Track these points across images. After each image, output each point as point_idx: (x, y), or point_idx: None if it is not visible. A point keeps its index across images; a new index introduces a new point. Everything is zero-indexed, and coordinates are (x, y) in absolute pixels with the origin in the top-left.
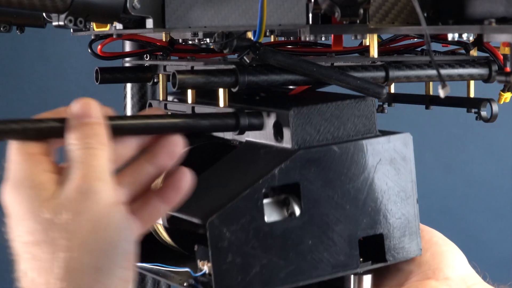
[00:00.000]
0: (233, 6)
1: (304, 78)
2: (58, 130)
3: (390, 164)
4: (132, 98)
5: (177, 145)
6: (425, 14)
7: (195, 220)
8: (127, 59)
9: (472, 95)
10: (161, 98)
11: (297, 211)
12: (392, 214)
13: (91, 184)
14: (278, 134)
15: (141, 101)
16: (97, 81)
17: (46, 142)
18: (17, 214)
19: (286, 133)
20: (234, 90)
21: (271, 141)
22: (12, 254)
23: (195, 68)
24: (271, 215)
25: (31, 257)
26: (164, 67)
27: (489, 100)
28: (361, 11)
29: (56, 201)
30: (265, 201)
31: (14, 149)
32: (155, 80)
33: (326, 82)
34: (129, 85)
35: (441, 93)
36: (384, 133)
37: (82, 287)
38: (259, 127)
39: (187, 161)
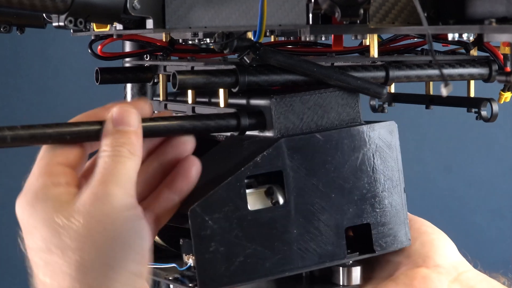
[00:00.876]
0: (233, 7)
1: (304, 78)
2: (94, 133)
3: (376, 152)
4: (132, 98)
5: (187, 144)
6: (426, 14)
7: (178, 209)
8: (127, 59)
9: (472, 94)
10: (161, 99)
11: (281, 201)
12: (379, 204)
13: (107, 188)
14: (260, 123)
15: None
16: (97, 82)
17: (75, 150)
18: (31, 225)
19: (269, 121)
20: (234, 90)
21: (255, 132)
22: (26, 265)
23: (195, 68)
24: (255, 205)
25: (43, 263)
26: (164, 67)
27: (489, 100)
28: (361, 11)
29: (71, 208)
30: (249, 191)
31: (37, 162)
32: (155, 81)
33: (326, 82)
34: (129, 86)
35: (444, 92)
36: (369, 122)
37: (95, 285)
38: (261, 126)
39: None
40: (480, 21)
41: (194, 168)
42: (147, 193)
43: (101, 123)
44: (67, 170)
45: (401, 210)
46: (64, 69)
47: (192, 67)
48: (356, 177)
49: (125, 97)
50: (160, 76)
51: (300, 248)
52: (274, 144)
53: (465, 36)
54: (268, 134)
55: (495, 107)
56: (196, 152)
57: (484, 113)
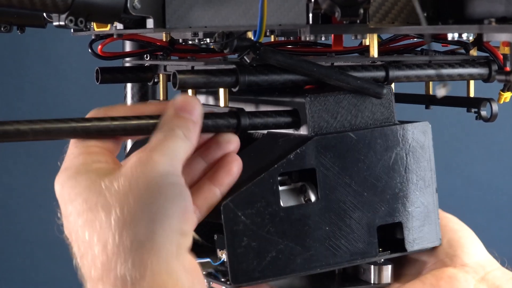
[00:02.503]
0: (233, 6)
1: (304, 78)
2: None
3: (409, 152)
4: (132, 98)
5: (231, 143)
6: (425, 14)
7: None
8: (127, 59)
9: (472, 94)
10: (161, 98)
11: (314, 199)
12: (411, 203)
13: (152, 154)
14: (295, 121)
15: (142, 101)
16: (97, 81)
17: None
18: (72, 195)
19: (303, 120)
20: (234, 90)
21: (290, 130)
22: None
23: (196, 68)
24: (288, 202)
25: (88, 224)
26: (165, 67)
27: (489, 100)
28: (361, 11)
29: (114, 174)
30: (282, 188)
31: (72, 144)
32: (156, 80)
33: (326, 82)
34: (129, 85)
35: (440, 93)
36: (402, 122)
37: (139, 238)
38: (296, 125)
39: None
40: (480, 21)
41: (236, 163)
42: (189, 186)
43: (158, 117)
44: (105, 151)
45: (432, 210)
46: (64, 69)
47: (192, 67)
48: (388, 176)
49: (125, 97)
50: (160, 75)
51: (331, 245)
52: (307, 142)
53: (464, 36)
54: (302, 132)
55: (495, 107)
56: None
57: (483, 113)
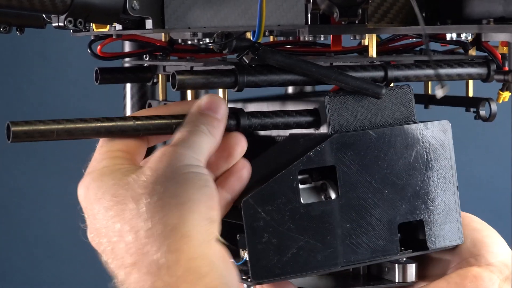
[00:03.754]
0: (232, 7)
1: (303, 78)
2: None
3: (429, 150)
4: (131, 98)
5: (238, 146)
6: (424, 14)
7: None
8: (126, 59)
9: (470, 94)
10: (160, 98)
11: (334, 197)
12: (432, 201)
13: (177, 148)
14: (315, 121)
15: (141, 101)
16: (96, 81)
17: (136, 141)
18: (98, 194)
19: (323, 118)
20: (233, 90)
21: (311, 130)
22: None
23: (195, 68)
24: (308, 200)
25: (115, 213)
26: (164, 67)
27: (488, 100)
28: (360, 11)
29: (139, 170)
30: (303, 186)
31: (97, 150)
32: (155, 80)
33: (325, 82)
34: (128, 85)
35: (438, 93)
36: (422, 121)
37: (169, 223)
38: (316, 124)
39: None
40: (478, 20)
41: (246, 169)
42: None
43: (182, 116)
44: (128, 155)
45: (454, 208)
46: (63, 69)
47: (191, 67)
48: (409, 174)
49: (124, 97)
50: (160, 76)
51: (352, 242)
52: (327, 139)
53: (463, 36)
54: (322, 130)
55: (494, 106)
56: (254, 152)
57: (482, 112)
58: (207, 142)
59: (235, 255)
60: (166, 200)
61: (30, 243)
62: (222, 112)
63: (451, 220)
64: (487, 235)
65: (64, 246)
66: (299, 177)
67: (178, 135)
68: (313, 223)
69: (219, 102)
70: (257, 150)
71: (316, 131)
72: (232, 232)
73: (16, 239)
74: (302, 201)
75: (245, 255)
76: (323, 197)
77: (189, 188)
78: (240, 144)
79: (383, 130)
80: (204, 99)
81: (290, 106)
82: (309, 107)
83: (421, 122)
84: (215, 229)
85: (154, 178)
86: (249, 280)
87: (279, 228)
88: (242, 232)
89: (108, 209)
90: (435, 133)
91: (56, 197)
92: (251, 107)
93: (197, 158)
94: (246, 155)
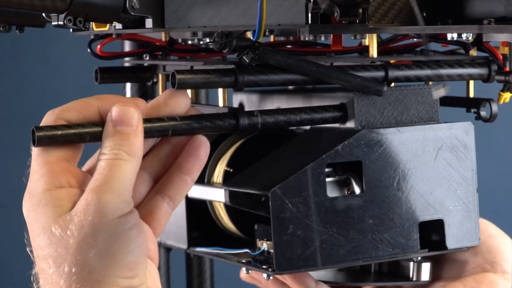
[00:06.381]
0: (232, 6)
1: (303, 78)
2: (98, 135)
3: (452, 151)
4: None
5: (203, 147)
6: (425, 14)
7: (258, 192)
8: (126, 59)
9: (471, 95)
10: None
11: (358, 192)
12: (453, 201)
13: (101, 196)
14: (342, 116)
15: None
16: (96, 81)
17: (74, 146)
18: (33, 229)
19: (350, 114)
20: (233, 90)
21: (335, 124)
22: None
23: (195, 68)
24: (332, 193)
25: (40, 270)
26: (164, 67)
27: (489, 100)
28: (360, 10)
29: (67, 216)
30: (327, 180)
31: (35, 157)
32: (155, 80)
33: (326, 81)
34: (128, 85)
35: (438, 94)
36: (446, 122)
37: None
38: (343, 119)
39: (250, 148)
40: (479, 21)
41: (203, 147)
42: (160, 175)
43: (102, 124)
44: (67, 166)
45: (473, 210)
46: (63, 69)
47: (192, 67)
48: (431, 173)
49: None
50: (160, 75)
51: (374, 238)
52: (355, 134)
53: (464, 36)
54: (349, 125)
55: (495, 107)
56: (274, 144)
57: (483, 113)
58: (130, 169)
59: (248, 245)
60: (83, 276)
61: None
62: (135, 120)
63: (470, 221)
64: (503, 243)
65: None
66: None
67: (98, 172)
68: (337, 217)
69: (129, 110)
70: (275, 141)
71: (342, 126)
72: (245, 220)
73: (16, 239)
74: (328, 194)
75: (263, 245)
76: (346, 191)
77: (109, 262)
78: (203, 146)
79: (409, 129)
80: (114, 111)
81: (314, 101)
82: (335, 102)
83: (445, 122)
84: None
85: (75, 242)
86: (270, 270)
87: (304, 220)
88: (261, 222)
89: (37, 260)
90: (459, 134)
91: None
92: (272, 101)
93: (123, 199)
94: (264, 147)
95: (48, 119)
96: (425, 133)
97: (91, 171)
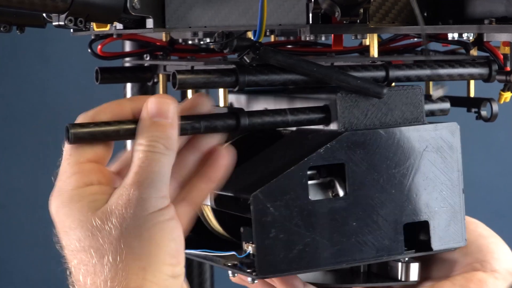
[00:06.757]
0: (233, 6)
1: (304, 78)
2: (134, 131)
3: (437, 152)
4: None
5: (216, 136)
6: (425, 14)
7: (240, 195)
8: (127, 59)
9: (472, 94)
10: None
11: (341, 194)
12: (438, 202)
13: (142, 192)
14: (325, 117)
15: None
16: (97, 81)
17: (104, 145)
18: (66, 225)
19: (334, 116)
20: (234, 90)
21: (320, 126)
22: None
23: (195, 68)
24: (315, 197)
25: (79, 261)
26: (164, 67)
27: (489, 100)
28: (361, 10)
29: (106, 208)
30: (310, 182)
31: (67, 157)
32: (155, 80)
33: (326, 82)
34: (129, 85)
35: (436, 94)
36: (431, 123)
37: (131, 286)
38: (326, 121)
39: (237, 150)
40: (480, 20)
41: (225, 158)
42: (184, 183)
43: (136, 121)
44: (98, 167)
45: (459, 210)
46: (64, 69)
47: (192, 67)
48: (416, 175)
49: (125, 97)
50: (160, 75)
51: (358, 240)
52: (338, 137)
53: (465, 36)
54: (333, 127)
55: (495, 107)
56: (261, 146)
57: (484, 113)
58: (167, 162)
59: (237, 248)
60: (128, 263)
61: (30, 243)
62: (172, 113)
63: (456, 222)
64: (493, 242)
65: None
66: (307, 172)
67: (137, 162)
68: (320, 220)
69: (167, 103)
70: (262, 143)
71: (326, 128)
72: (232, 222)
73: (16, 239)
74: (310, 197)
75: (248, 248)
76: (330, 194)
77: (153, 249)
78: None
79: (393, 130)
80: (151, 103)
81: (298, 102)
82: (319, 103)
83: (430, 123)
84: (177, 283)
85: (118, 233)
86: (254, 274)
87: (286, 223)
88: (246, 225)
89: (73, 255)
90: (444, 135)
91: None
92: (259, 102)
93: (162, 195)
94: (251, 149)
95: (82, 120)
96: (409, 134)
97: (120, 172)
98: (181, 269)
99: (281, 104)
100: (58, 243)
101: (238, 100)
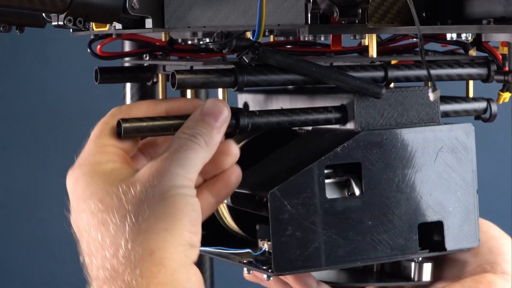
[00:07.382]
0: (232, 6)
1: (303, 78)
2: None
3: (452, 153)
4: (131, 98)
5: (230, 155)
6: (424, 14)
7: (257, 193)
8: (126, 59)
9: (471, 95)
10: (160, 98)
11: (357, 193)
12: (452, 203)
13: (171, 166)
14: (342, 117)
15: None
16: (96, 81)
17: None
18: (87, 193)
19: (350, 115)
20: (233, 90)
21: (336, 126)
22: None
23: (195, 68)
24: (332, 195)
25: (99, 222)
26: (164, 67)
27: (488, 100)
28: (360, 11)
29: (132, 177)
30: (327, 181)
31: (93, 140)
32: (155, 80)
33: (325, 82)
34: (128, 85)
35: (430, 97)
36: (446, 123)
37: (150, 248)
38: (343, 120)
39: (253, 148)
40: (478, 21)
41: (234, 176)
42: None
43: (185, 117)
44: (123, 154)
45: (473, 211)
46: (63, 69)
47: (191, 67)
48: (431, 175)
49: (124, 97)
50: (160, 75)
51: (373, 239)
52: (355, 136)
53: (463, 36)
54: (349, 127)
55: (494, 107)
56: (276, 144)
57: None
58: (202, 157)
59: (251, 245)
60: (150, 223)
61: (30, 243)
62: (223, 119)
63: (469, 223)
64: (504, 244)
65: (64, 246)
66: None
67: (175, 145)
68: (336, 218)
69: (222, 109)
70: (277, 141)
71: (342, 127)
72: (247, 220)
73: (16, 239)
74: (327, 196)
75: (264, 245)
76: (346, 193)
77: (176, 213)
78: (232, 153)
79: (409, 130)
80: (208, 103)
81: (317, 101)
82: (336, 103)
83: (445, 124)
84: (194, 254)
85: (143, 196)
86: (270, 271)
87: (303, 221)
88: (262, 223)
89: (94, 215)
90: (459, 136)
91: (56, 197)
92: (277, 101)
93: (189, 177)
94: (267, 147)
95: (116, 113)
96: (425, 134)
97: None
98: (198, 240)
99: (296, 103)
100: (69, 213)
101: (255, 99)
